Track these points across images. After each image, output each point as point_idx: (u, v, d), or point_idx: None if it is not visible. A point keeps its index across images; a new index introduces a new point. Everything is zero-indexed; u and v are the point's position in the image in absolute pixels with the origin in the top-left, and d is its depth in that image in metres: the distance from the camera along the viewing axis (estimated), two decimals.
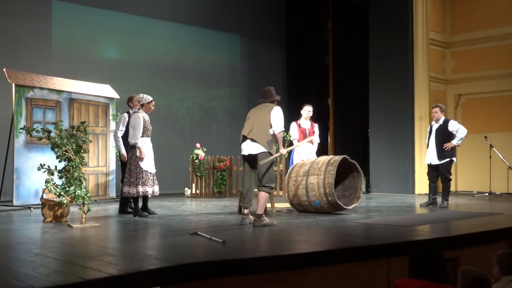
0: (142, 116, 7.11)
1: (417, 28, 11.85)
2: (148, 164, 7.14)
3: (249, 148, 6.41)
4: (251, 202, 6.56)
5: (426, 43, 11.96)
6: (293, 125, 8.51)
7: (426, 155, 8.89)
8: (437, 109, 8.67)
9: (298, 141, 8.25)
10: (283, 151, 6.67)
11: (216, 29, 13.49)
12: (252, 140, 6.35)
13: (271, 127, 6.34)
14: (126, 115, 7.84)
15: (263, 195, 6.33)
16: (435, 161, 8.63)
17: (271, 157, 6.33)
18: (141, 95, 7.27)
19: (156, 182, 7.29)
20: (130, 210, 7.58)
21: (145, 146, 7.14)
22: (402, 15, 11.88)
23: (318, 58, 13.87)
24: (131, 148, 7.14)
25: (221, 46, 13.75)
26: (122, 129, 7.79)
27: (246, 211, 6.52)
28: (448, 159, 8.56)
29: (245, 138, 6.47)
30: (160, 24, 12.57)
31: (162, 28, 12.63)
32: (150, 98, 7.29)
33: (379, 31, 12.24)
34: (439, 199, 8.77)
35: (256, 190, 6.64)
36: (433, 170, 8.73)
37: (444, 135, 8.56)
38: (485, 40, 12.51)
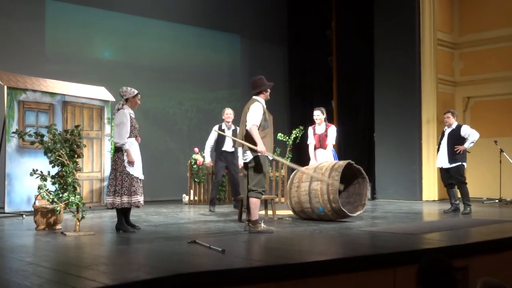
0: (128, 113, 6.40)
1: (424, 28, 11.61)
2: (138, 169, 6.39)
3: (242, 155, 6.43)
4: None
5: (433, 44, 11.72)
6: (310, 129, 8.57)
7: (437, 158, 8.99)
8: (449, 115, 8.83)
9: (315, 146, 8.34)
10: (259, 148, 6.00)
11: (215, 29, 13.35)
12: (244, 148, 6.29)
13: None
14: (216, 127, 9.20)
15: (252, 200, 6.15)
16: (446, 164, 8.71)
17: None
18: (124, 88, 6.56)
19: (142, 191, 6.47)
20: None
21: (133, 149, 6.37)
22: (408, 14, 11.67)
23: (321, 59, 13.73)
24: (116, 151, 6.39)
25: (221, 46, 13.61)
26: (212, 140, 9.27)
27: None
28: (459, 163, 8.60)
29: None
30: (157, 24, 12.45)
31: (158, 28, 12.51)
32: (136, 91, 6.50)
33: (384, 31, 12.04)
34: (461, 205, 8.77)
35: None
36: (445, 174, 8.79)
37: (456, 139, 8.65)
38: (495, 41, 12.20)
